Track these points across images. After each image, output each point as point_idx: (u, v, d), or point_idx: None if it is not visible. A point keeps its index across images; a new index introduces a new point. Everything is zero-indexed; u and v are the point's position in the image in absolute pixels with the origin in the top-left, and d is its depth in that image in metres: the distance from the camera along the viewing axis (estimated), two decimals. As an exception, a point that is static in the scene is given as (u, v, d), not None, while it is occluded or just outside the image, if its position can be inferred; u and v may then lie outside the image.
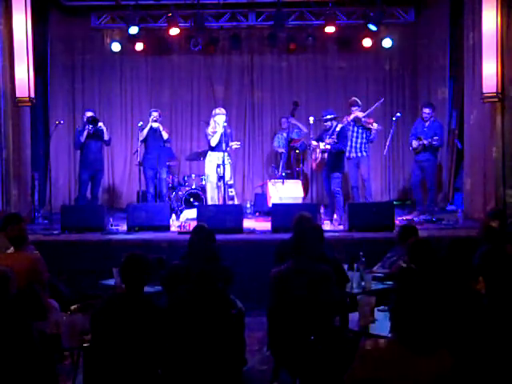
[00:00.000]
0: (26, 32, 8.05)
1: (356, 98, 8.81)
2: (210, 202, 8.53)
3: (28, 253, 4.80)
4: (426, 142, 8.20)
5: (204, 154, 9.44)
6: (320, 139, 8.36)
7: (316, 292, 3.93)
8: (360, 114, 8.55)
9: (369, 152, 8.70)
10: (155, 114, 8.79)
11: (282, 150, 9.73)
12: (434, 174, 8.58)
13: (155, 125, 8.69)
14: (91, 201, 8.85)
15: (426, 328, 2.61)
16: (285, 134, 9.80)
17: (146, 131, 8.70)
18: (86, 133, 8.62)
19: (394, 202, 8.53)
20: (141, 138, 8.73)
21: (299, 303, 3.94)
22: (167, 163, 9.26)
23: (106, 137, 8.77)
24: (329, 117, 8.30)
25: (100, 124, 8.74)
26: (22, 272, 4.20)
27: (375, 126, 8.51)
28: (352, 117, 8.51)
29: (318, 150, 8.27)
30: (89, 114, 8.79)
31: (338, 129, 8.14)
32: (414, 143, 8.37)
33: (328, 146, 8.08)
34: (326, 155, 8.16)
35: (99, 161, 8.89)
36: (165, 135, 8.77)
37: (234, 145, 8.65)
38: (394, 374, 2.58)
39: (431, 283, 3.46)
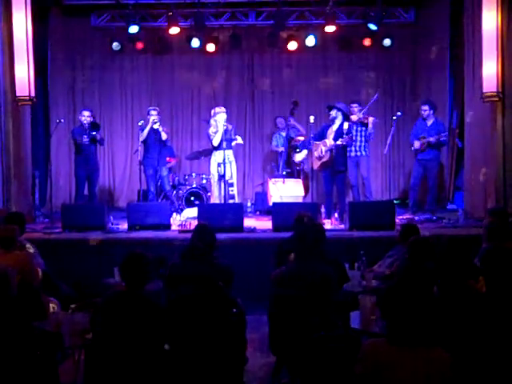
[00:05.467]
0: (26, 31, 8.05)
1: (356, 98, 8.81)
2: (213, 201, 8.54)
3: (16, 253, 4.75)
4: (432, 139, 8.16)
5: (205, 153, 9.46)
6: (322, 136, 8.28)
7: (317, 293, 3.94)
8: (360, 115, 8.53)
9: (368, 151, 8.69)
10: (154, 114, 8.78)
11: (281, 149, 9.72)
12: (437, 172, 8.57)
13: (156, 126, 8.68)
14: (89, 200, 8.82)
15: (416, 326, 2.63)
16: (283, 133, 9.80)
17: (146, 132, 8.68)
18: (81, 140, 8.49)
19: (395, 201, 8.52)
20: (141, 139, 8.71)
21: (300, 304, 3.95)
22: (167, 162, 9.27)
23: (97, 137, 8.70)
24: (338, 106, 8.26)
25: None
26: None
27: (371, 119, 8.46)
28: (355, 118, 8.49)
29: (323, 149, 8.18)
30: (86, 113, 8.67)
31: (345, 126, 8.10)
32: (416, 143, 8.33)
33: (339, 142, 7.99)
34: (333, 153, 8.10)
35: (94, 161, 8.84)
36: (163, 136, 8.74)
37: (239, 140, 8.61)
38: (391, 371, 2.60)
39: (421, 282, 3.48)
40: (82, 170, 8.68)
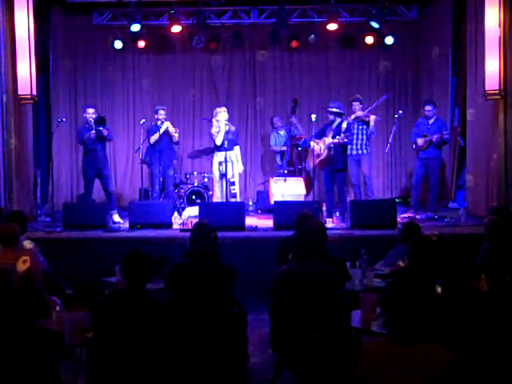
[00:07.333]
0: (27, 29, 8.06)
1: (358, 95, 8.79)
2: (215, 200, 8.53)
3: (17, 251, 4.74)
4: (434, 137, 8.13)
5: (206, 152, 9.45)
6: (323, 134, 8.31)
7: (318, 292, 3.94)
8: (360, 113, 8.50)
9: (370, 149, 8.67)
10: (163, 113, 8.73)
11: (280, 148, 9.69)
12: (439, 171, 8.56)
13: (167, 128, 8.60)
14: (106, 198, 8.60)
15: (417, 325, 2.63)
16: (282, 132, 9.77)
17: (157, 136, 8.60)
18: (88, 136, 8.32)
19: (396, 200, 8.52)
20: (152, 141, 8.62)
21: (301, 303, 3.95)
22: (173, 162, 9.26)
23: (105, 132, 8.42)
24: (334, 110, 8.28)
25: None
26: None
27: (372, 117, 8.44)
28: (353, 117, 8.48)
29: (322, 146, 8.21)
30: (90, 110, 8.50)
31: (344, 125, 8.12)
32: (420, 141, 8.31)
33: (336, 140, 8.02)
34: (331, 152, 8.10)
35: (103, 159, 8.61)
36: (175, 138, 8.70)
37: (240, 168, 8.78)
38: (392, 370, 2.59)
39: (422, 280, 3.47)
40: (91, 170, 8.45)
